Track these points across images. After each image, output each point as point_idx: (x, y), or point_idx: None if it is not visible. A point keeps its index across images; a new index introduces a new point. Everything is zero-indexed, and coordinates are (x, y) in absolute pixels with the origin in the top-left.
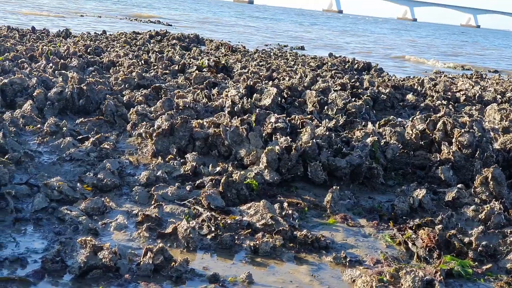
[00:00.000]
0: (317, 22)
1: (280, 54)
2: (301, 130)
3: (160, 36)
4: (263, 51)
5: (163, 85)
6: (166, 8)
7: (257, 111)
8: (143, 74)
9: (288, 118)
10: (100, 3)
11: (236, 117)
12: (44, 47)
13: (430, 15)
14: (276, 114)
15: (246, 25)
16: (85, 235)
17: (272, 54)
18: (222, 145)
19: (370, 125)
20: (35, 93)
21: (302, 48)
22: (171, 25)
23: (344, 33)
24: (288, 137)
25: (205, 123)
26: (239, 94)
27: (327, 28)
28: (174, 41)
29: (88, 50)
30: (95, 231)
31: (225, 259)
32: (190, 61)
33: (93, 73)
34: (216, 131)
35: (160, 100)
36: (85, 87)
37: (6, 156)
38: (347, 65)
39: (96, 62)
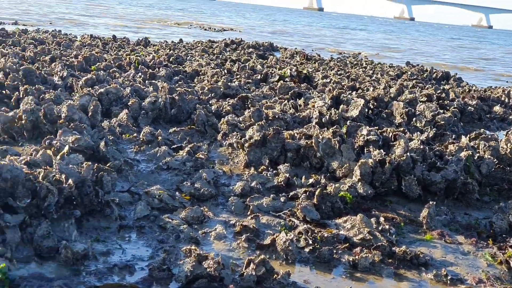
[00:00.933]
0: (392, 29)
1: (355, 62)
2: (394, 143)
3: (235, 45)
4: (338, 59)
5: (250, 95)
6: (239, 17)
7: (348, 123)
8: (228, 83)
9: (379, 130)
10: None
11: (326, 128)
12: (132, 56)
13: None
14: (367, 127)
15: (319, 33)
16: (187, 244)
17: (348, 62)
18: (314, 157)
19: (464, 139)
20: (130, 103)
21: (377, 55)
22: (241, 33)
23: (415, 41)
24: (381, 150)
25: (296, 135)
26: (325, 105)
27: (400, 36)
28: (250, 49)
29: (171, 59)
30: (196, 240)
31: (324, 273)
32: (272, 70)
33: (179, 82)
34: (308, 142)
35: (249, 110)
36: (176, 97)
37: (108, 164)
38: (425, 74)
39: (180, 71)
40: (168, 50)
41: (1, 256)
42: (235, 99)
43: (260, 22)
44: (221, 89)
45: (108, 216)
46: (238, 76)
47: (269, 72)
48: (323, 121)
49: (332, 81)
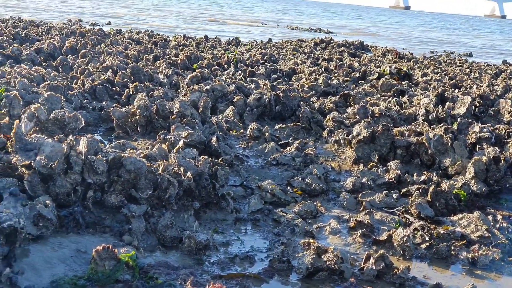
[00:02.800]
0: (479, 27)
1: (449, 61)
2: (507, 140)
3: (324, 43)
4: (431, 58)
5: (351, 92)
6: (326, 17)
7: (458, 120)
8: (328, 81)
9: (491, 127)
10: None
11: (434, 126)
12: (230, 55)
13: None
14: (479, 124)
15: (408, 32)
16: (302, 238)
17: (441, 60)
18: (425, 154)
19: None
20: (235, 99)
21: (470, 54)
22: (332, 33)
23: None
24: (495, 147)
25: (405, 131)
26: (431, 102)
27: (491, 34)
28: (342, 48)
29: (265, 58)
30: (311, 234)
31: (442, 270)
32: (371, 68)
33: (278, 80)
34: (419, 139)
35: (354, 107)
36: (281, 94)
37: (220, 159)
38: None
39: (277, 69)
40: (260, 49)
41: (129, 244)
42: (337, 96)
43: (346, 22)
44: (322, 87)
45: (224, 208)
46: (336, 74)
47: (367, 70)
48: (429, 118)
49: (433, 78)
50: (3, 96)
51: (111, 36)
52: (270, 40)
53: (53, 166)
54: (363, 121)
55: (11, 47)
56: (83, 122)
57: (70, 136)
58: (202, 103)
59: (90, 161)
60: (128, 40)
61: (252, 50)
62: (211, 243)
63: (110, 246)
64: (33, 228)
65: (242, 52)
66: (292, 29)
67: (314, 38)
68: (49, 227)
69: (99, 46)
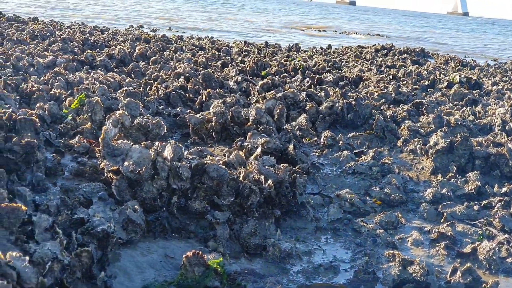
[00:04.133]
0: None
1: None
2: None
3: (385, 50)
4: (496, 66)
5: (424, 101)
6: (382, 23)
7: None
8: (399, 89)
9: None
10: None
11: None
12: (296, 62)
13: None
14: None
15: (467, 38)
16: (384, 248)
17: (507, 69)
18: (506, 165)
19: None
20: (307, 107)
21: None
22: (388, 37)
23: None
24: None
25: (483, 142)
26: (508, 112)
27: None
28: (405, 55)
29: (329, 65)
30: (393, 245)
31: None
32: (439, 76)
33: (346, 87)
34: (499, 150)
35: (428, 116)
36: (353, 102)
37: (297, 167)
38: None
39: (343, 77)
40: (321, 56)
41: (214, 250)
42: (409, 105)
43: (404, 27)
44: (392, 95)
45: (304, 217)
46: (404, 82)
47: (436, 78)
48: (506, 128)
49: (504, 87)
50: (86, 102)
51: (173, 42)
52: (329, 46)
53: (140, 171)
54: (439, 130)
55: (85, 53)
56: (165, 128)
57: (157, 143)
58: (277, 111)
59: (175, 168)
60: (192, 47)
61: (314, 57)
62: (294, 252)
63: (200, 252)
64: (122, 232)
65: (305, 59)
66: (348, 34)
67: (375, 44)
68: (138, 232)
69: (168, 52)
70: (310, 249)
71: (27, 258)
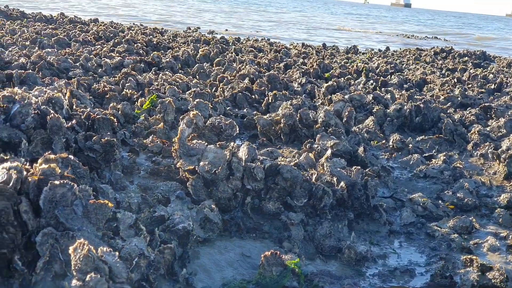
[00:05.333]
0: None
1: None
2: None
3: (445, 53)
4: None
5: (492, 104)
6: (441, 25)
7: None
8: (465, 92)
9: None
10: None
11: None
12: (359, 64)
13: None
14: None
15: None
16: (459, 253)
17: None
18: None
19: None
20: (375, 110)
21: None
22: (447, 40)
23: None
24: None
25: None
26: None
27: None
28: (465, 58)
29: (390, 67)
30: (468, 250)
31: None
32: (508, 80)
33: (411, 90)
34: None
35: (499, 120)
36: (422, 105)
37: (368, 169)
38: None
39: (407, 79)
40: (381, 58)
41: (289, 251)
42: (477, 108)
43: (462, 30)
44: (459, 98)
45: (376, 220)
46: (469, 85)
47: (503, 81)
48: None
49: None
50: (158, 102)
51: (231, 43)
52: (387, 48)
53: (216, 171)
54: (511, 135)
55: (151, 55)
56: (237, 129)
57: (232, 143)
58: (346, 113)
59: (250, 168)
60: (251, 48)
61: (373, 59)
62: (369, 255)
63: (278, 252)
64: (200, 231)
65: (365, 61)
66: (408, 37)
67: (434, 47)
68: (215, 231)
69: (230, 54)
70: (385, 252)
71: (117, 253)
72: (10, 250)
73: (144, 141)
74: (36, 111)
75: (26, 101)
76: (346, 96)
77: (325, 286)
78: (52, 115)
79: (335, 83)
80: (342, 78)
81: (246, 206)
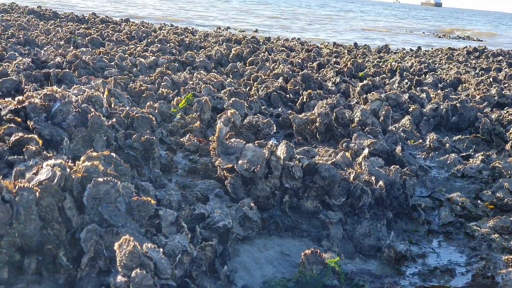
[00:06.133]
0: None
1: None
2: None
3: (478, 52)
4: None
5: None
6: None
7: None
8: (502, 92)
9: None
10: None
11: None
12: (392, 63)
13: None
14: None
15: None
16: (500, 253)
17: None
18: None
19: None
20: (411, 109)
21: None
22: (481, 40)
23: None
24: None
25: None
26: None
27: None
28: (500, 57)
29: (423, 67)
30: (509, 250)
31: None
32: None
33: (446, 90)
34: None
35: None
36: (458, 104)
37: (405, 169)
38: None
39: (441, 79)
40: (413, 58)
41: (328, 250)
42: None
43: (497, 30)
44: (495, 98)
45: (415, 219)
46: (506, 85)
47: None
48: None
49: None
50: (195, 101)
51: (261, 43)
52: (419, 48)
53: (255, 170)
54: None
55: (185, 54)
56: (274, 128)
57: (271, 142)
58: (383, 112)
59: (288, 167)
60: (282, 48)
61: (406, 58)
62: (408, 254)
63: (318, 251)
64: (240, 229)
65: (397, 60)
66: (439, 37)
67: (466, 46)
68: (254, 229)
69: (262, 53)
70: (424, 251)
71: (161, 250)
72: (55, 246)
73: (181, 139)
74: (77, 109)
75: (66, 100)
76: (382, 95)
77: (366, 285)
78: (93, 113)
79: (370, 82)
80: (377, 77)
81: (284, 204)
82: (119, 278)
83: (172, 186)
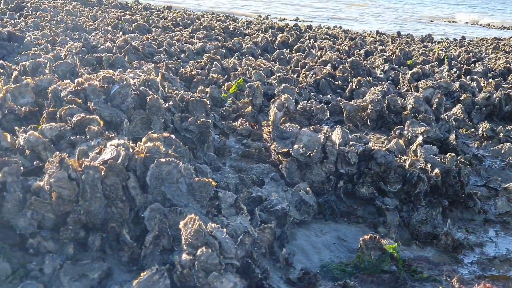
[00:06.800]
0: None
1: None
2: None
3: None
4: None
5: None
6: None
7: None
8: None
9: None
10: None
11: None
12: (440, 52)
13: None
14: None
15: None
16: None
17: None
18: None
19: None
20: (462, 97)
21: None
22: None
23: None
24: None
25: None
26: None
27: None
28: None
29: (471, 56)
30: None
31: None
32: None
33: (496, 79)
34: None
35: None
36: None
37: (459, 157)
38: None
39: (490, 68)
40: (458, 47)
41: (386, 236)
42: None
43: None
44: None
45: (470, 208)
46: None
47: None
48: None
49: None
50: (247, 86)
51: (303, 30)
52: (463, 37)
53: (311, 154)
54: None
55: (232, 41)
56: (328, 113)
57: (326, 127)
58: (436, 100)
59: (343, 152)
60: (325, 36)
61: (451, 48)
62: (466, 242)
63: (377, 236)
64: (296, 213)
65: (443, 50)
66: (483, 26)
67: None
68: (310, 213)
69: (308, 41)
70: (481, 240)
71: (225, 230)
72: (119, 224)
73: (233, 124)
74: (136, 92)
75: (125, 82)
76: (430, 83)
77: (424, 271)
78: (152, 96)
79: (420, 70)
80: (427, 65)
81: (339, 190)
82: (184, 256)
83: (227, 169)
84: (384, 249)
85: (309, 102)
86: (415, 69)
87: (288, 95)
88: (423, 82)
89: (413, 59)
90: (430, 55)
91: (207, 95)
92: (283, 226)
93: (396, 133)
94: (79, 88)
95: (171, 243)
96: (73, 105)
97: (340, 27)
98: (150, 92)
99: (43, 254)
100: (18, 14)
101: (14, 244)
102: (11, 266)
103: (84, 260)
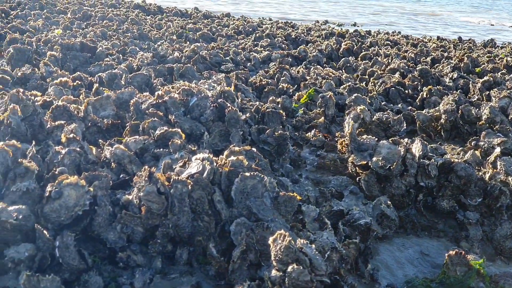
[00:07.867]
0: None
1: None
2: None
3: None
4: None
5: None
6: None
7: None
8: None
9: None
10: None
11: None
12: (509, 59)
13: None
14: None
15: None
16: None
17: None
18: None
19: None
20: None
21: None
22: None
23: None
24: None
25: None
26: None
27: None
28: None
29: None
30: None
31: None
32: None
33: None
34: None
35: None
36: None
37: None
38: None
39: None
40: None
41: (469, 251)
42: None
43: None
44: None
45: None
46: None
47: None
48: None
49: None
50: (320, 97)
51: (363, 37)
52: None
53: (391, 167)
54: None
55: (298, 49)
56: (405, 125)
57: (406, 139)
58: None
59: (423, 165)
60: (387, 42)
61: None
62: None
63: (463, 252)
64: (378, 227)
65: (507, 55)
66: None
67: None
68: (392, 227)
69: (372, 48)
70: None
71: (313, 246)
72: (205, 237)
73: (306, 134)
74: (214, 104)
75: (203, 94)
76: (509, 93)
77: None
78: (230, 108)
79: (491, 79)
80: (498, 73)
81: (419, 203)
82: (274, 272)
83: (304, 181)
84: (470, 265)
85: (385, 113)
86: (486, 78)
87: (364, 106)
88: (496, 91)
89: (481, 67)
90: (498, 61)
91: (279, 105)
92: (366, 241)
93: (472, 144)
94: (160, 101)
95: (258, 258)
96: (155, 118)
97: (399, 33)
98: (228, 104)
99: (132, 267)
100: (85, 23)
101: (104, 257)
102: (103, 279)
103: (172, 274)
